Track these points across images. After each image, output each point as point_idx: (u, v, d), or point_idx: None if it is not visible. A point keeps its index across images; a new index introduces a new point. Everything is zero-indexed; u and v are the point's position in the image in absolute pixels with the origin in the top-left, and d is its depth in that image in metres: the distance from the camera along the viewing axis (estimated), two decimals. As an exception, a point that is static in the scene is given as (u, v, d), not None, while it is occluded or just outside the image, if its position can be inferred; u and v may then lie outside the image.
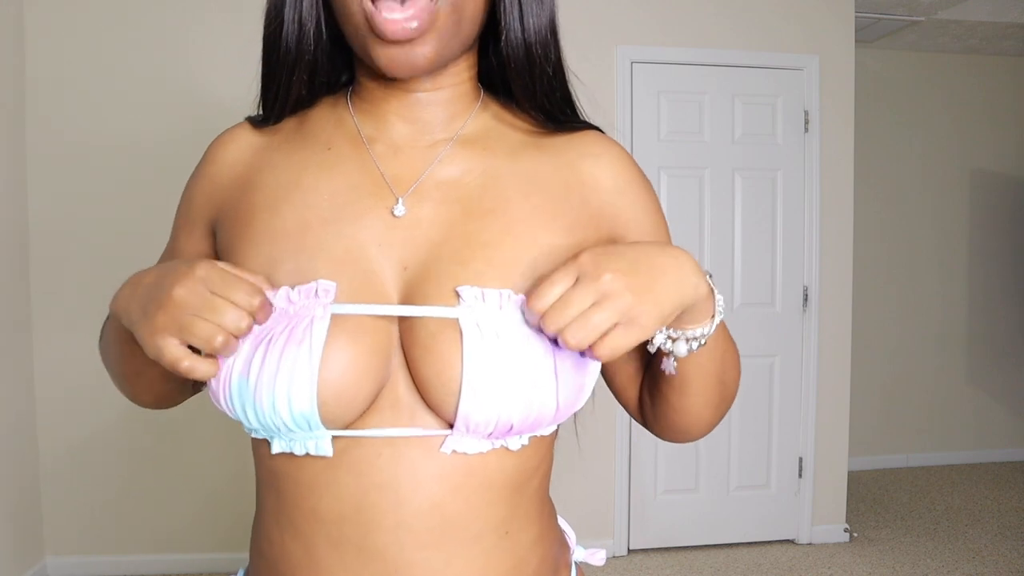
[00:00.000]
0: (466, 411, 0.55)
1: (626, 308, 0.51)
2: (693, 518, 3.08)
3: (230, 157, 0.67)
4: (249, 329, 0.53)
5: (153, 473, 2.80)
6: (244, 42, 2.85)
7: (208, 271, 0.52)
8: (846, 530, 3.17)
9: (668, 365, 0.60)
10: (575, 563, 0.72)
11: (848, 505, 3.26)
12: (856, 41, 3.23)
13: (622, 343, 0.52)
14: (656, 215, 0.68)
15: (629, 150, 2.96)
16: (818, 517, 3.14)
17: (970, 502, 3.64)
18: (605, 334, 0.52)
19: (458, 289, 0.57)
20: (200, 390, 0.72)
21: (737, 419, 3.08)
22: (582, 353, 0.55)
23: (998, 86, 4.26)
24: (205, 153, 0.69)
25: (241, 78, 2.48)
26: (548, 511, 0.68)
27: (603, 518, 3.01)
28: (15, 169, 2.64)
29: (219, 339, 0.51)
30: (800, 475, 3.13)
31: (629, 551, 3.05)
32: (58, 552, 2.77)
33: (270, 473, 0.61)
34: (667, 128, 3.00)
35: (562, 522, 0.73)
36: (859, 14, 3.38)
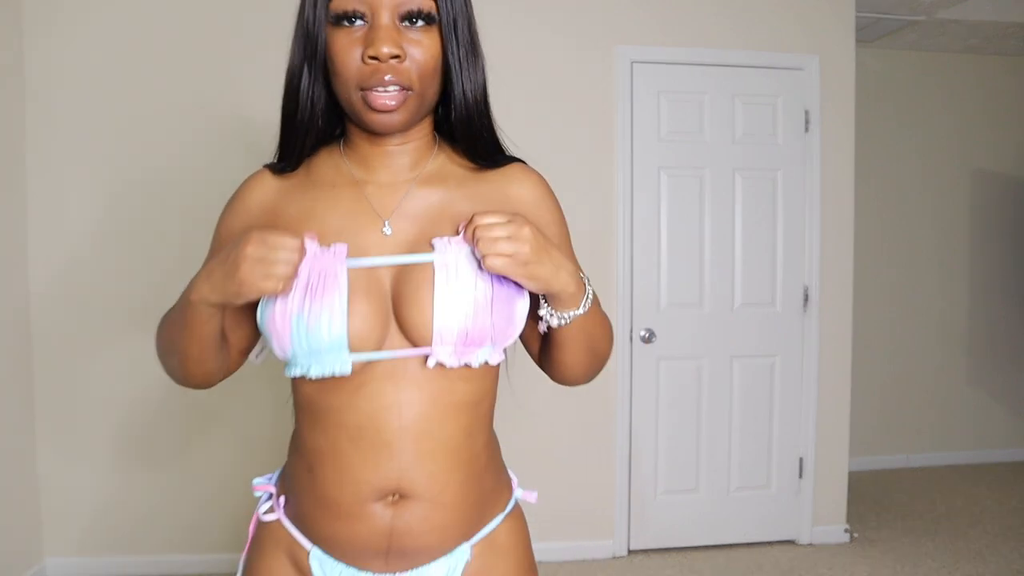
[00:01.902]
0: (440, 326, 0.82)
1: (521, 254, 0.79)
2: (693, 518, 3.08)
3: (257, 195, 0.93)
4: (299, 263, 0.78)
5: (152, 475, 2.80)
6: (245, 46, 2.84)
7: (262, 233, 0.77)
8: (847, 531, 3.17)
9: (542, 326, 0.89)
10: (516, 499, 1.01)
11: (848, 505, 3.25)
12: (856, 41, 3.23)
13: (501, 267, 0.79)
14: (563, 227, 0.97)
15: (629, 150, 2.98)
16: (819, 518, 3.14)
17: (971, 502, 3.64)
18: (500, 255, 0.79)
19: (433, 241, 0.85)
20: (240, 365, 0.98)
21: (737, 419, 3.08)
22: (481, 267, 0.82)
23: (998, 86, 4.25)
24: (237, 192, 0.95)
25: (241, 86, 2.40)
26: (495, 437, 0.98)
27: (603, 518, 3.00)
28: (13, 154, 2.65)
29: (291, 268, 0.77)
30: (800, 475, 3.13)
31: (629, 551, 3.04)
32: (57, 553, 2.77)
33: (308, 400, 0.88)
34: (667, 128, 3.00)
35: (510, 470, 1.03)
36: (859, 14, 3.38)
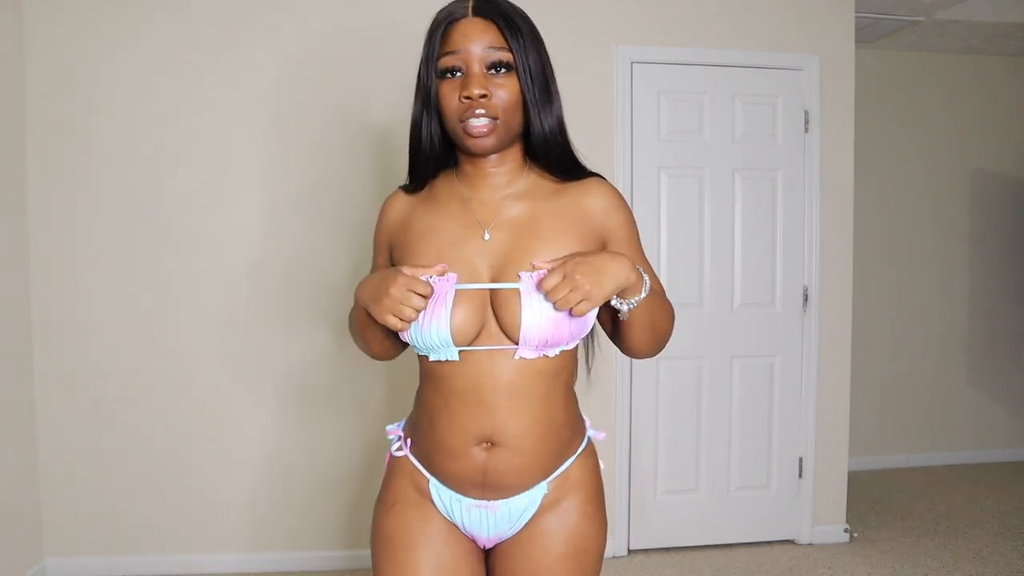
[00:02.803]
0: (525, 336, 1.06)
1: (586, 292, 0.99)
2: (693, 518, 3.08)
3: (396, 210, 1.23)
4: (424, 306, 1.04)
5: (152, 474, 2.80)
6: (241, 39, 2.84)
7: (406, 279, 1.03)
8: (846, 530, 3.17)
9: (621, 315, 1.09)
10: (588, 437, 1.26)
11: (848, 505, 3.25)
12: (856, 41, 3.23)
13: (585, 308, 1.00)
14: (630, 228, 1.20)
15: (629, 150, 2.98)
16: (818, 517, 3.14)
17: (970, 502, 3.64)
18: (577, 303, 1.00)
19: (520, 273, 1.08)
20: (404, 349, 1.25)
21: (737, 419, 3.08)
22: (570, 312, 1.04)
23: (998, 86, 4.26)
24: (382, 208, 1.25)
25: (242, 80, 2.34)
26: (572, 397, 1.20)
27: (603, 518, 3.00)
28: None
29: (414, 315, 1.03)
30: (800, 475, 3.13)
31: (629, 551, 3.05)
32: (57, 553, 2.77)
33: (429, 371, 1.15)
34: (667, 128, 3.00)
35: (584, 414, 1.27)
36: (859, 14, 3.38)
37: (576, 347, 1.17)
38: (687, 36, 2.99)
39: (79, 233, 2.75)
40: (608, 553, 3.00)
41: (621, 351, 1.21)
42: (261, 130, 2.81)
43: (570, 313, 1.03)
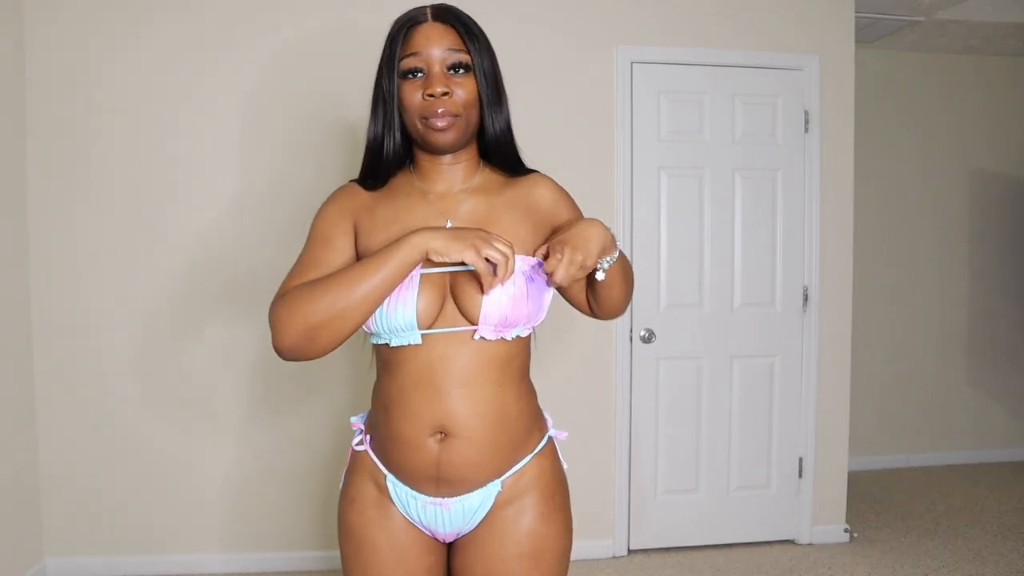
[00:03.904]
0: (485, 314, 1.11)
1: (581, 261, 1.06)
2: (693, 518, 3.08)
3: (358, 198, 1.24)
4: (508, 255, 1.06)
5: (152, 474, 2.80)
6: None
7: (488, 234, 1.06)
8: (846, 530, 3.17)
9: (599, 275, 1.14)
10: (550, 435, 1.27)
11: (848, 505, 3.25)
12: (856, 41, 3.23)
13: (582, 274, 1.07)
14: (573, 205, 1.28)
15: (629, 150, 2.98)
16: (818, 517, 3.14)
17: (970, 502, 3.64)
18: (578, 270, 1.06)
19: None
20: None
21: (737, 419, 3.08)
22: (548, 284, 1.14)
23: (998, 86, 4.26)
24: (337, 195, 1.25)
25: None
26: (528, 390, 1.24)
27: (603, 518, 3.01)
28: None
29: (507, 259, 1.04)
30: (800, 475, 3.13)
31: (629, 551, 3.05)
32: (57, 553, 2.77)
33: (387, 357, 1.18)
34: (667, 128, 3.00)
35: (545, 412, 1.30)
36: (859, 14, 3.38)
37: (530, 336, 1.21)
38: (687, 36, 2.99)
39: (79, 233, 2.75)
40: (608, 553, 3.00)
41: (596, 316, 1.29)
42: (261, 130, 2.81)
43: (548, 283, 1.12)
